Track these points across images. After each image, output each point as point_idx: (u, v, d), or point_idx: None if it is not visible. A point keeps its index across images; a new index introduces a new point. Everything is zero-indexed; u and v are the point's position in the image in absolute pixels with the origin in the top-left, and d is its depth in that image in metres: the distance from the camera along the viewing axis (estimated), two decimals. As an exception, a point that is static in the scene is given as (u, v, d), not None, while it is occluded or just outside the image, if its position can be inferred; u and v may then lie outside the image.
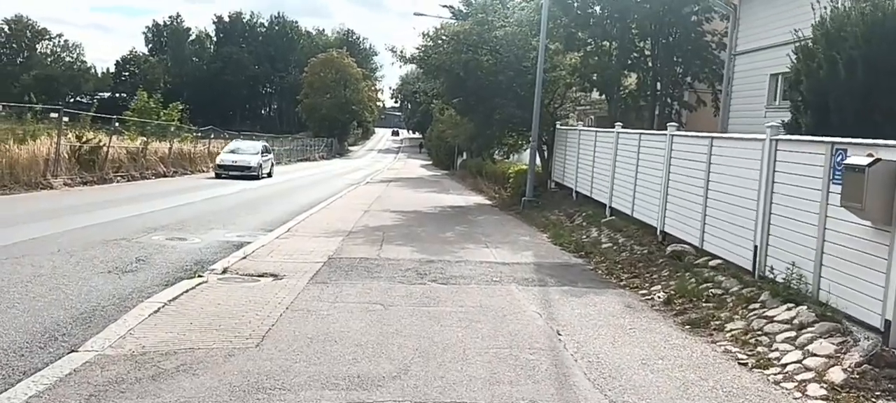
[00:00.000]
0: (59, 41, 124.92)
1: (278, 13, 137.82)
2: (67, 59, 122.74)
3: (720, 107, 17.54)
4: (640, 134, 12.84)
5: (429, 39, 20.15)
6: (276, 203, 19.95)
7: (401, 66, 19.25)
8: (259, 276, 8.92)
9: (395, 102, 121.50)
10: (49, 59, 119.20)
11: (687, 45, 20.82)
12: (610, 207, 14.35)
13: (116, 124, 23.56)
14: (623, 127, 14.72)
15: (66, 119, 21.35)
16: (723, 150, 9.20)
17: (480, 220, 17.10)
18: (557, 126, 21.64)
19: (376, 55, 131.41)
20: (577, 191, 17.70)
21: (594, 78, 21.18)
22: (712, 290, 7.98)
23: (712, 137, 9.51)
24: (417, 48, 21.37)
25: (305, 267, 9.61)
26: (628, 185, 13.17)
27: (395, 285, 8.60)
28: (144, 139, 26.32)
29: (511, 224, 16.50)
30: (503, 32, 20.28)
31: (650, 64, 21.30)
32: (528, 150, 28.51)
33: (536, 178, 20.38)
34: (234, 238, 12.63)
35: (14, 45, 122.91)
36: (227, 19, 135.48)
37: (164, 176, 27.09)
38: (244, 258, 10.06)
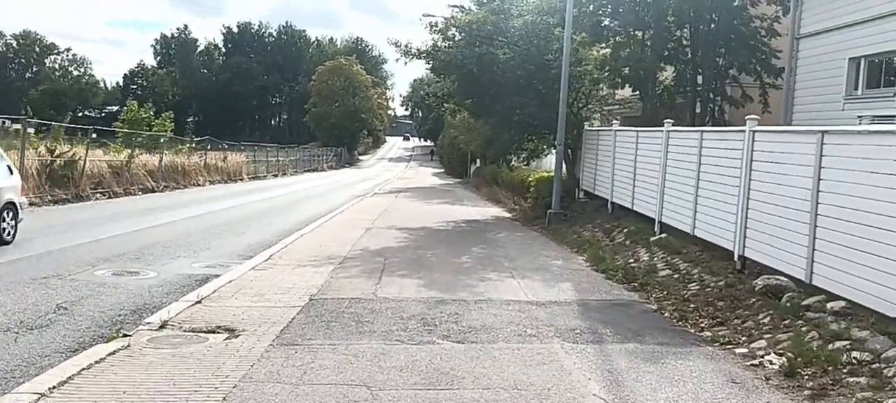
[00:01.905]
0: (68, 55, 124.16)
1: (286, 22, 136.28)
2: (75, 73, 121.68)
3: (783, 100, 14.96)
4: (703, 131, 10.33)
5: (438, 32, 17.73)
6: (266, 220, 17.56)
7: (406, 64, 16.39)
8: (208, 332, 6.51)
9: (406, 110, 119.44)
10: (57, 74, 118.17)
11: (730, 33, 18.28)
12: (659, 222, 11.83)
13: (93, 135, 21.33)
14: (672, 124, 12.21)
15: (31, 130, 19.06)
16: (841, 150, 6.68)
17: (501, 239, 14.62)
18: (585, 127, 19.13)
19: (385, 63, 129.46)
20: (613, 202, 15.18)
21: (626, 72, 18.63)
22: (855, 354, 5.45)
23: (823, 131, 6.97)
24: (423, 51, 18.72)
25: (275, 315, 7.19)
26: (685, 196, 10.66)
27: (392, 346, 6.14)
28: (129, 151, 24.05)
29: (538, 243, 14.00)
30: (521, 22, 17.86)
31: (689, 55, 18.78)
32: (550, 156, 26.20)
33: (562, 187, 17.87)
34: (201, 269, 10.25)
35: (22, 60, 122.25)
36: (235, 30, 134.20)
37: (152, 191, 24.80)
38: (198, 302, 7.65)
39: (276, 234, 14.53)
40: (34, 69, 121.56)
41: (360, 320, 7.04)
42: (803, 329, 6.21)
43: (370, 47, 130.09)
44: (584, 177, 18.22)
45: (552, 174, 22.40)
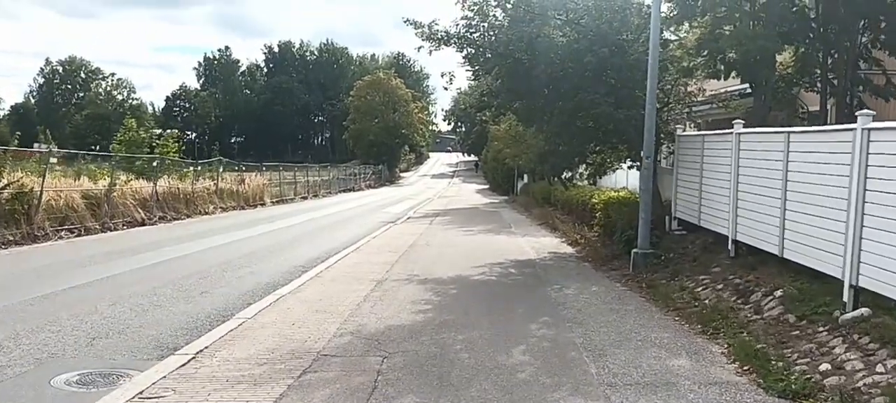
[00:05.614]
0: (112, 80, 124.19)
1: (327, 40, 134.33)
2: (119, 97, 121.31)
3: None
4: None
5: (473, 8, 13.02)
6: (247, 268, 13.02)
7: (430, 52, 11.51)
8: None
9: (448, 124, 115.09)
10: (100, 99, 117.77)
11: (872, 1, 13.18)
12: (853, 287, 6.85)
13: (53, 160, 17.28)
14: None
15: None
16: None
17: (571, 300, 9.77)
18: (679, 132, 14.21)
19: (428, 78, 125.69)
20: (735, 241, 10.19)
21: (731, 57, 13.65)
22: None
23: None
24: (453, 35, 13.71)
25: None
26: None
27: None
28: (109, 179, 20.07)
29: (630, 309, 9.09)
30: (588, -8, 13.09)
31: (818, 30, 13.72)
32: (617, 173, 21.15)
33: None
34: (57, 394, 5.83)
35: (68, 86, 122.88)
36: (276, 49, 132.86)
37: (142, 224, 20.82)
38: None
39: (246, 295, 10.16)
40: (80, 95, 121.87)
41: None
42: None
43: (411, 62, 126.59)
44: (680, 200, 13.24)
45: (623, 194, 17.56)
